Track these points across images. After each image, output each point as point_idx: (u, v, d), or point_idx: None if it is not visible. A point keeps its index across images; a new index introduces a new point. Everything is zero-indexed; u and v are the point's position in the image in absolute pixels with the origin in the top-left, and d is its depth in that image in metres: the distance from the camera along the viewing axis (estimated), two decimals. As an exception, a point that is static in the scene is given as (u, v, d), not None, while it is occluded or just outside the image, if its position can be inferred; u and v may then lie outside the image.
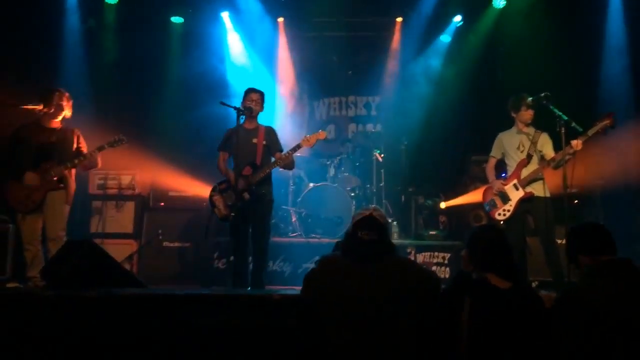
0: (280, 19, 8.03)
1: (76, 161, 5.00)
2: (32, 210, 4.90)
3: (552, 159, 4.87)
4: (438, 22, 7.83)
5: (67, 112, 5.14)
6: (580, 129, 4.66)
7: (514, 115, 5.16)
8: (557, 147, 4.89)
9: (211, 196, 5.04)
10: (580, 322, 2.50)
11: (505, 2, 7.36)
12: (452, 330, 2.62)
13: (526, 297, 2.68)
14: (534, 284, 5.28)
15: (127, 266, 5.88)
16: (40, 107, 5.02)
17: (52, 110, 5.04)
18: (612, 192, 6.19)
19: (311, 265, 5.48)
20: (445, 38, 7.91)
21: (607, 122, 4.69)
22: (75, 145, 5.11)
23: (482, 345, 2.56)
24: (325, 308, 2.75)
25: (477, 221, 6.38)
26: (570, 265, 2.95)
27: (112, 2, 7.34)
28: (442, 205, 6.96)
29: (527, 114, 5.05)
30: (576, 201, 6.12)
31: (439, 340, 2.71)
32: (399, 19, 7.99)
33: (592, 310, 2.49)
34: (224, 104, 4.93)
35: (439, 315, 2.72)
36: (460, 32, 7.83)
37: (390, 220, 6.73)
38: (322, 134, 5.02)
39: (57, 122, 5.10)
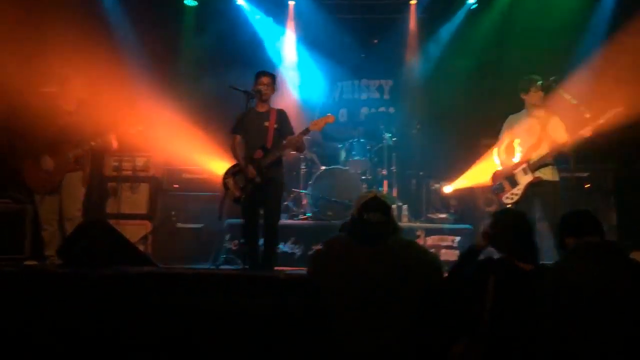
0: (292, 2, 8.02)
1: (93, 143, 5.11)
2: (50, 191, 5.03)
3: (564, 144, 4.85)
4: (452, 4, 7.77)
5: (82, 94, 5.25)
6: (588, 114, 4.64)
7: (523, 97, 5.12)
8: (567, 131, 4.87)
9: (224, 179, 5.11)
10: (559, 299, 2.55)
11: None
12: (477, 307, 2.70)
13: (541, 272, 2.75)
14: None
15: (141, 247, 6.00)
16: (56, 89, 5.14)
17: (68, 93, 5.15)
18: (625, 176, 6.17)
19: (318, 247, 5.56)
20: (459, 19, 7.85)
21: (619, 109, 4.66)
22: (93, 128, 5.22)
23: (504, 322, 2.65)
24: (330, 287, 2.83)
25: (488, 205, 6.39)
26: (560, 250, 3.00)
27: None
28: (446, 189, 6.97)
29: (536, 96, 5.01)
30: (587, 185, 6.10)
31: (448, 318, 2.80)
32: (413, 1, 7.94)
33: (571, 288, 2.54)
34: (233, 87, 5.00)
35: (464, 293, 2.83)
36: (474, 14, 7.76)
37: (400, 204, 6.77)
38: (330, 118, 5.05)
39: (72, 105, 5.21)
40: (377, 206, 2.87)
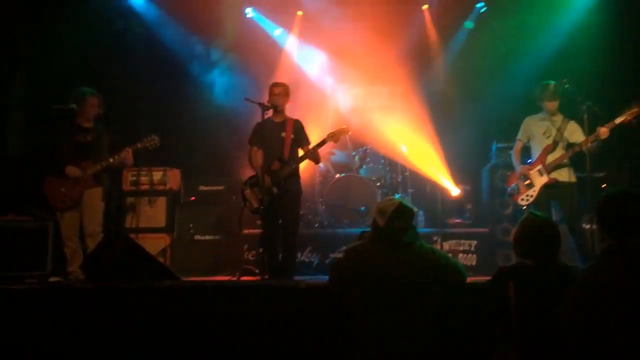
0: (300, 12, 8.08)
1: (111, 160, 5.20)
2: (70, 208, 5.12)
3: (584, 143, 4.83)
4: (462, 8, 7.80)
5: (99, 112, 5.34)
6: (602, 114, 4.64)
7: (539, 103, 5.16)
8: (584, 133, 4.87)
9: (242, 190, 5.18)
10: (586, 303, 2.42)
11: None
12: (502, 314, 2.70)
13: (565, 276, 2.72)
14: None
15: (160, 259, 6.07)
16: (75, 107, 5.24)
17: (86, 110, 5.25)
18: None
19: (339, 255, 5.59)
20: (469, 25, 7.88)
21: (636, 110, 4.65)
22: (109, 145, 5.32)
23: (532, 324, 2.63)
24: (354, 295, 2.86)
25: (504, 208, 6.38)
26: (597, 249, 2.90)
27: (140, 3, 7.52)
28: (454, 192, 6.99)
29: (549, 105, 5.04)
30: (604, 185, 6.08)
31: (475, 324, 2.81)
32: (425, 7, 7.96)
33: (600, 293, 2.38)
34: (248, 100, 5.07)
35: (487, 304, 2.84)
36: (484, 19, 7.78)
37: (416, 210, 6.78)
38: (346, 130, 5.12)
39: (90, 122, 5.30)
40: (404, 214, 2.91)
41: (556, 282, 2.68)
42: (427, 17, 7.99)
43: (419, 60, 7.98)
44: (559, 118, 5.09)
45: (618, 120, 4.67)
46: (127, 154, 5.26)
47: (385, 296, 2.77)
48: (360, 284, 2.82)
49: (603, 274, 2.43)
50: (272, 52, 8.02)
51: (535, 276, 2.71)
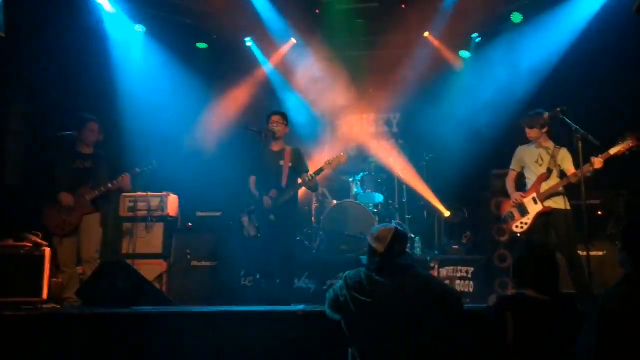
0: (293, 40, 8.22)
1: (110, 185, 5.23)
2: (69, 234, 5.13)
3: (574, 175, 4.87)
4: (457, 37, 7.93)
5: (98, 138, 5.39)
6: (597, 143, 4.68)
7: (528, 132, 5.18)
8: (576, 162, 4.90)
9: (240, 217, 5.20)
10: (616, 328, 2.45)
11: (522, 17, 7.41)
12: (500, 345, 2.71)
13: (564, 306, 2.74)
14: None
15: (157, 285, 6.05)
16: (74, 134, 5.30)
17: (85, 137, 5.30)
18: (637, 201, 6.17)
19: (335, 282, 5.57)
20: (465, 54, 8.01)
21: (630, 142, 4.68)
22: (108, 170, 5.35)
23: (529, 355, 2.65)
24: (350, 322, 2.87)
25: (500, 235, 6.39)
26: (593, 277, 2.90)
27: (140, 31, 7.64)
28: (447, 213, 7.03)
29: (540, 133, 5.07)
30: (600, 212, 6.11)
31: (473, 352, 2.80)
32: (427, 34, 8.06)
33: (628, 317, 2.41)
34: (249, 129, 5.14)
35: (486, 334, 2.83)
36: (479, 48, 7.91)
37: (413, 236, 6.80)
38: (343, 157, 5.17)
39: (89, 148, 5.35)
40: (402, 238, 2.94)
41: (557, 314, 2.69)
42: (418, 46, 8.09)
43: (414, 88, 8.08)
44: (551, 145, 5.13)
45: (613, 151, 4.70)
46: (126, 180, 5.29)
47: (383, 323, 2.78)
48: (358, 311, 2.83)
49: (629, 302, 2.45)
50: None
51: (535, 307, 2.72)
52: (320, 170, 5.11)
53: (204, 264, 6.52)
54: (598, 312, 2.51)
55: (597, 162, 4.70)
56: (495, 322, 2.77)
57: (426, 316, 2.77)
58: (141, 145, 7.05)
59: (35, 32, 6.34)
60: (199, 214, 6.86)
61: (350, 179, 7.23)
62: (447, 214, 7.19)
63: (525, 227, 5.05)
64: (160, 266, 6.47)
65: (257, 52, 8.18)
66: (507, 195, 5.51)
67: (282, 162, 5.13)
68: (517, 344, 2.67)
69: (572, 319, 2.68)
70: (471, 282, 6.03)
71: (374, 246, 2.95)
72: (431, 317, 2.78)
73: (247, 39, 8.09)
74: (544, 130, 5.07)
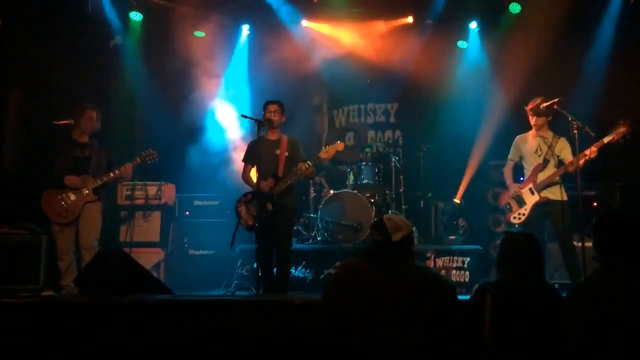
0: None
1: (111, 174, 5.24)
2: (69, 222, 5.14)
3: (570, 163, 4.91)
4: (455, 27, 7.90)
5: (97, 126, 5.39)
6: (593, 134, 4.71)
7: (530, 118, 5.21)
8: (573, 152, 4.93)
9: (237, 207, 5.21)
10: (583, 318, 2.50)
11: (520, 8, 7.38)
12: (478, 325, 2.78)
13: (543, 289, 2.82)
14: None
15: (154, 274, 6.06)
16: (72, 122, 5.28)
17: (83, 125, 5.29)
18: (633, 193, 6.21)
19: (332, 271, 5.60)
20: (462, 44, 7.99)
21: (623, 129, 4.72)
22: (106, 160, 5.36)
23: (504, 336, 2.71)
24: (346, 311, 2.88)
25: (496, 225, 6.44)
26: (588, 267, 2.96)
27: (137, 20, 7.58)
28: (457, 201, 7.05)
29: (540, 120, 5.09)
30: (595, 204, 6.14)
31: (462, 339, 2.84)
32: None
33: (596, 309, 2.44)
34: (245, 116, 5.13)
35: (466, 315, 2.87)
36: (477, 38, 7.89)
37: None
38: (340, 145, 5.16)
39: (86, 137, 5.35)
40: (401, 227, 2.94)
41: (537, 301, 2.75)
42: (415, 36, 8.03)
43: (412, 79, 8.06)
44: (549, 134, 5.15)
45: (606, 140, 4.74)
46: (127, 169, 5.31)
47: (379, 312, 2.79)
48: (354, 300, 2.84)
49: (597, 294, 2.49)
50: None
51: (515, 292, 2.78)
52: (317, 158, 5.11)
53: (201, 252, 6.56)
54: (568, 305, 2.59)
55: (592, 151, 4.73)
56: (475, 302, 2.84)
57: (420, 306, 2.79)
58: (139, 133, 7.07)
59: (32, 19, 6.30)
60: (197, 202, 6.86)
61: (348, 169, 7.23)
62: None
63: (523, 217, 5.08)
64: (157, 254, 6.49)
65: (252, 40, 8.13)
66: (503, 186, 5.54)
67: (278, 152, 5.13)
68: (494, 324, 2.73)
69: (549, 304, 2.74)
70: (467, 273, 6.05)
71: (373, 234, 2.94)
72: (426, 307, 2.80)
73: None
74: (549, 118, 5.09)
